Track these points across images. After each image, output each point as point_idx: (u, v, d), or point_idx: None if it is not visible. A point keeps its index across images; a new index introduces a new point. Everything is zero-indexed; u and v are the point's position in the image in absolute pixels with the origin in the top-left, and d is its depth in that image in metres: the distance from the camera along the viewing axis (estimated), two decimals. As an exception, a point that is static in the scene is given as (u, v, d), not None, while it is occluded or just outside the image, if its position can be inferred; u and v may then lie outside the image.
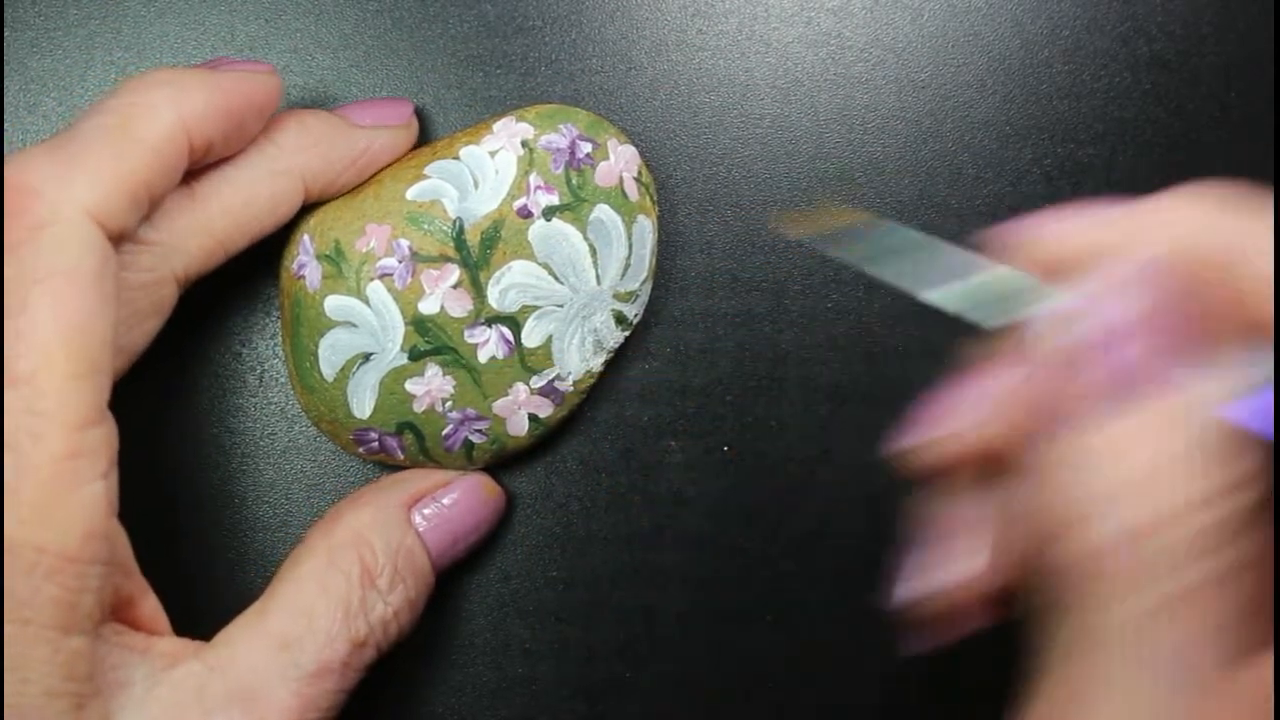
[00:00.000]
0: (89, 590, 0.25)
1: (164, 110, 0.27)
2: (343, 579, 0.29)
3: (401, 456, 0.32)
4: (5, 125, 0.33)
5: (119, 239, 0.26)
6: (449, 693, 0.34)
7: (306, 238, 0.31)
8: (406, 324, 0.31)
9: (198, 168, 0.29)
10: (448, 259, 0.31)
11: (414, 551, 0.31)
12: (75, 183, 0.25)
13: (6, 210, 0.25)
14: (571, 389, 0.32)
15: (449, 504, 0.32)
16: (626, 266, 0.32)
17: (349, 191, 0.32)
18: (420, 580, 0.31)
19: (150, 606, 0.27)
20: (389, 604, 0.30)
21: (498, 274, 0.31)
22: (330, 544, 0.30)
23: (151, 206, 0.27)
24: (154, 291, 0.29)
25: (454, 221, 0.31)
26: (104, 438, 0.25)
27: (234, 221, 0.29)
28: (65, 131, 0.26)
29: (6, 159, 0.26)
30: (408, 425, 0.32)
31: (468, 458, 0.32)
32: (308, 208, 0.32)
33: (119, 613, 0.27)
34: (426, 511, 0.32)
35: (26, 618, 0.24)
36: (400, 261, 0.31)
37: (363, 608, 0.29)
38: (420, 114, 0.32)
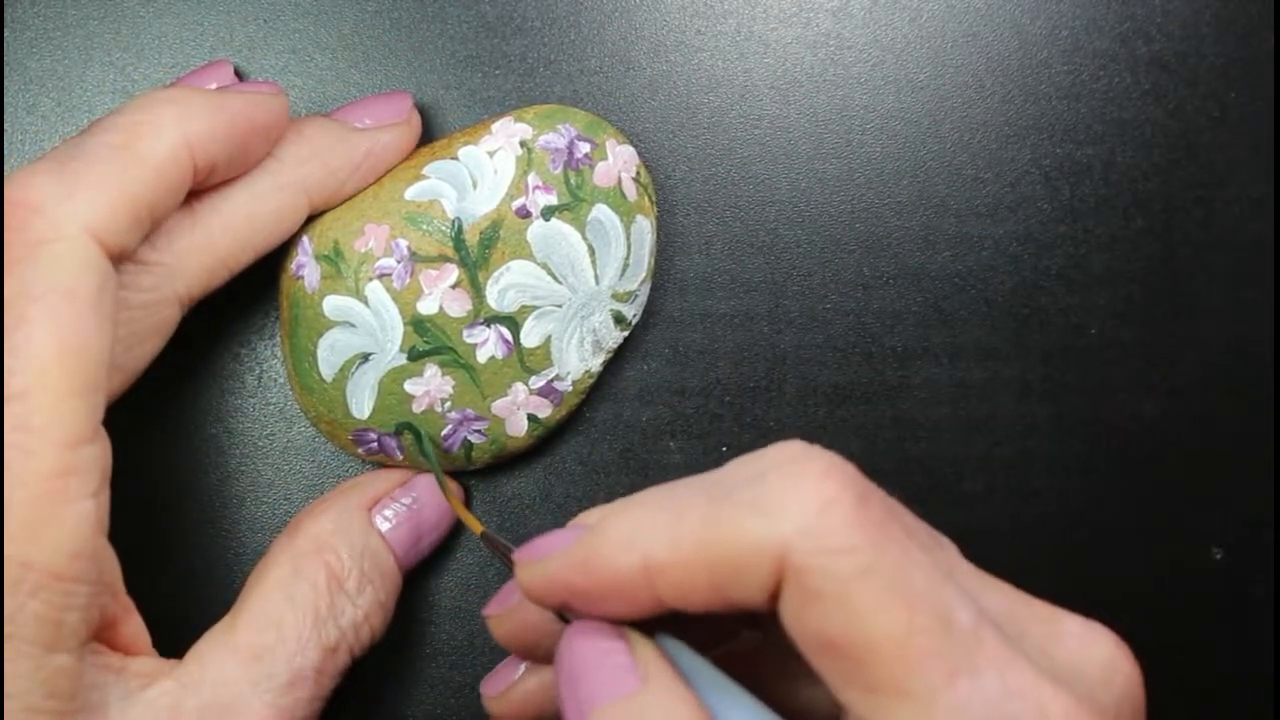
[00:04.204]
0: (74, 608, 0.24)
1: (169, 130, 0.27)
2: (309, 586, 0.29)
3: (400, 457, 0.32)
4: (5, 125, 0.33)
5: (119, 258, 0.26)
6: (450, 692, 0.34)
7: (305, 238, 0.31)
8: (405, 324, 0.31)
9: (201, 189, 0.29)
10: (446, 259, 0.31)
11: (379, 553, 0.31)
12: (77, 200, 0.25)
13: (7, 226, 0.25)
14: (570, 389, 0.32)
15: (409, 503, 0.32)
16: (625, 266, 0.32)
17: (349, 193, 0.32)
18: (388, 581, 0.31)
19: (132, 627, 0.27)
20: (358, 607, 0.30)
21: (496, 274, 0.31)
22: (294, 553, 0.30)
23: (153, 226, 0.27)
24: (155, 312, 0.28)
25: (453, 221, 0.31)
26: (96, 456, 0.25)
27: (236, 240, 0.29)
28: (69, 147, 0.26)
29: (9, 175, 0.26)
30: (407, 425, 0.32)
31: (467, 458, 0.32)
32: (307, 208, 0.32)
33: (101, 633, 0.26)
34: (387, 512, 0.32)
35: (9, 633, 0.24)
36: (399, 261, 0.31)
37: (332, 613, 0.29)
38: (420, 112, 0.32)
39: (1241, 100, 0.35)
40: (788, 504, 0.22)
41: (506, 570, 0.31)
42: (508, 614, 0.27)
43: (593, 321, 0.32)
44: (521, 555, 0.25)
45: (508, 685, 0.29)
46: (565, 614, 0.25)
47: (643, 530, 0.23)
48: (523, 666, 0.29)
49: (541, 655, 0.28)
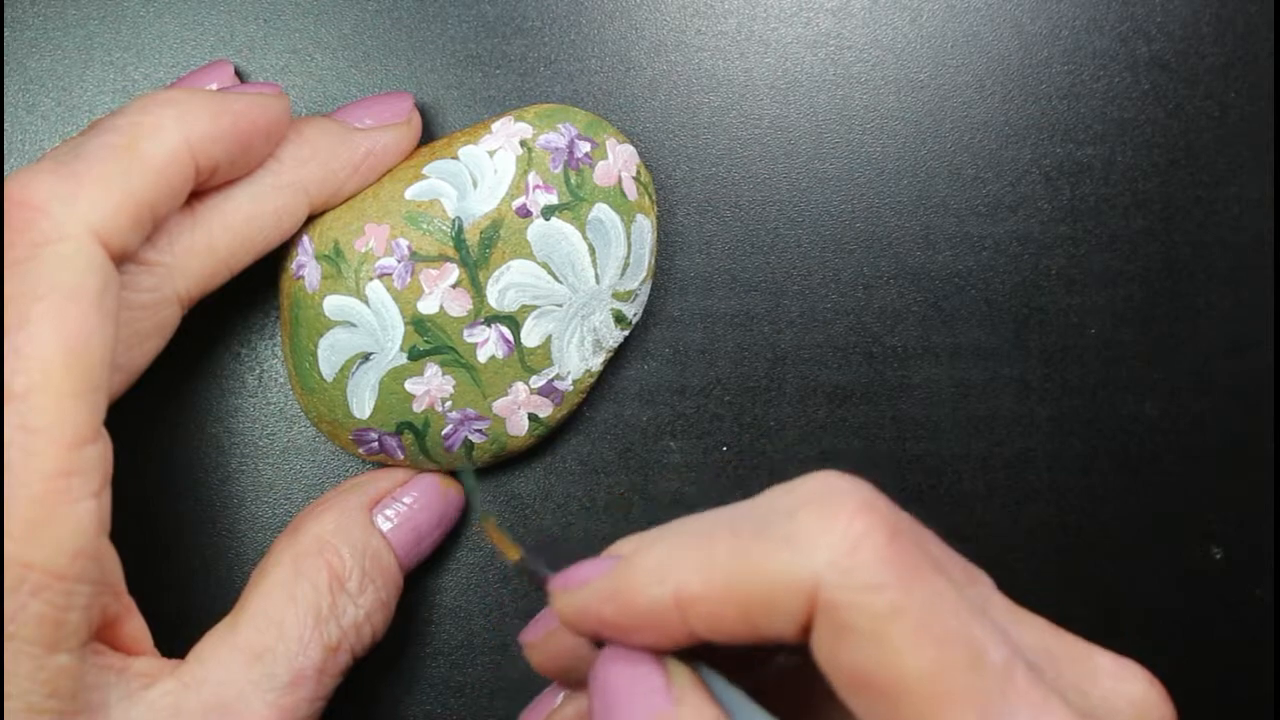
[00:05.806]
0: (76, 608, 0.24)
1: (170, 131, 0.27)
2: (310, 586, 0.29)
3: (401, 456, 0.32)
4: (5, 125, 0.33)
5: (121, 258, 0.26)
6: (449, 692, 0.34)
7: (305, 238, 0.31)
8: (406, 324, 0.31)
9: (202, 189, 0.29)
10: (447, 258, 0.31)
11: (380, 552, 0.31)
12: (80, 201, 0.25)
13: (10, 226, 0.25)
14: (571, 388, 0.32)
15: (410, 502, 0.32)
16: (625, 266, 0.32)
17: (349, 192, 0.32)
18: (389, 580, 0.31)
19: (134, 627, 0.27)
20: (360, 606, 0.30)
21: (497, 273, 0.31)
22: (296, 552, 0.30)
23: (155, 226, 0.27)
24: (156, 312, 0.28)
25: (453, 221, 0.31)
26: (98, 456, 0.25)
27: (237, 240, 0.29)
28: (70, 148, 0.26)
29: (12, 175, 0.26)
30: (407, 425, 0.32)
31: (468, 458, 0.32)
32: (307, 208, 0.32)
33: (102, 633, 0.26)
34: (389, 512, 0.32)
35: (11, 633, 0.24)
36: (399, 261, 0.31)
37: (333, 612, 0.29)
38: (420, 112, 0.32)
39: (1241, 100, 0.35)
40: (819, 540, 0.22)
41: (521, 581, 0.32)
42: (544, 641, 0.27)
43: (593, 321, 0.32)
44: (556, 584, 0.25)
45: (548, 714, 0.29)
46: (601, 641, 0.25)
47: (674, 563, 0.23)
48: (561, 695, 0.29)
49: (578, 682, 0.28)
